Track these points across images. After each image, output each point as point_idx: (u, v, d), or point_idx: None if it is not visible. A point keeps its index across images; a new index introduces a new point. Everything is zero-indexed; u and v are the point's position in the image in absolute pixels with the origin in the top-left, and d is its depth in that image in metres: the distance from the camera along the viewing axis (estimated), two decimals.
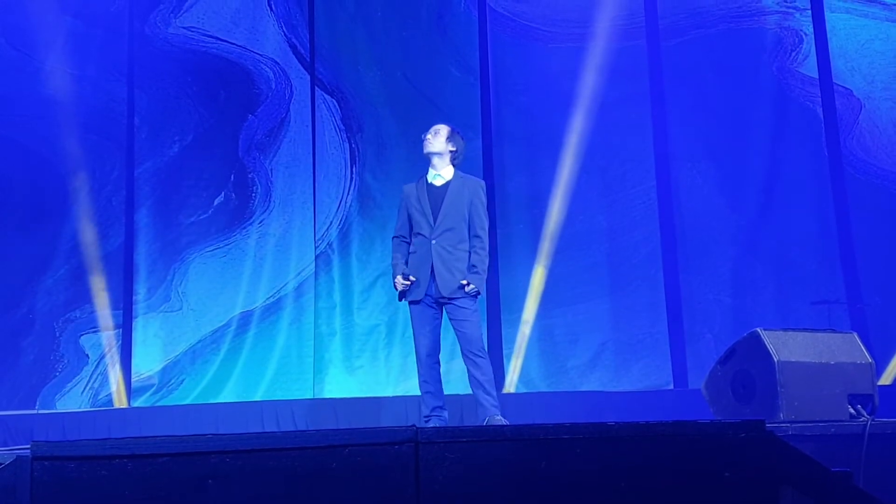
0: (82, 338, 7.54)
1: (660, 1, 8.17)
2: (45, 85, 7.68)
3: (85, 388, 7.50)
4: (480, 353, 5.29)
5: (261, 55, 7.99)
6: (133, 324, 7.60)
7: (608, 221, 7.99)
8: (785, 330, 5.09)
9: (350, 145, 8.01)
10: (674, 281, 7.89)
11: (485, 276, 5.35)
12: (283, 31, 8.03)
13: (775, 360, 4.84)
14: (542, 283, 7.85)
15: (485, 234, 5.37)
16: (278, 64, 8.00)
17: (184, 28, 7.93)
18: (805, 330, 5.20)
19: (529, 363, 7.77)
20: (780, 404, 4.77)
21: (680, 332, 7.82)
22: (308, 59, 8.03)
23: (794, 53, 8.12)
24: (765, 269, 7.85)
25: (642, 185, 8.01)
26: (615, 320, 7.86)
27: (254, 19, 8.02)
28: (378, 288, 7.84)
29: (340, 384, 7.66)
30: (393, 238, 5.57)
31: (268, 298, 7.70)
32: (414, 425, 3.47)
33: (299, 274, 7.78)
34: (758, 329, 5.01)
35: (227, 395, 7.50)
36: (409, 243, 5.45)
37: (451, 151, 5.40)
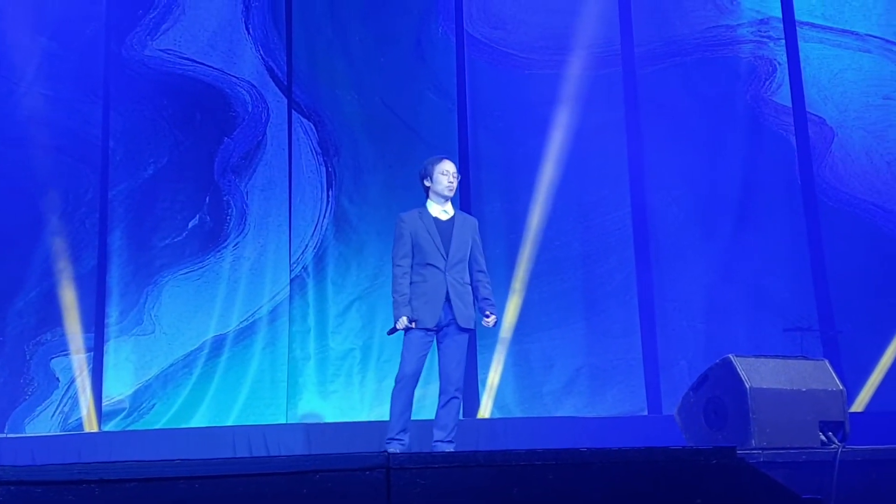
0: (53, 361, 7.45)
1: (636, 29, 8.25)
2: (19, 106, 7.62)
3: (55, 412, 7.40)
4: (460, 390, 5.44)
5: (237, 78, 7.99)
6: (105, 347, 7.52)
7: (584, 247, 8.03)
8: (757, 356, 5.11)
9: (326, 169, 8.00)
10: (648, 307, 7.93)
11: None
12: (261, 55, 8.03)
13: (747, 386, 4.85)
14: (517, 308, 7.86)
15: (485, 268, 5.57)
16: (255, 87, 8.00)
17: (160, 50, 7.91)
18: (777, 357, 5.22)
19: (504, 388, 7.76)
20: (752, 431, 4.78)
21: (654, 358, 7.84)
22: (285, 83, 8.04)
23: (767, 82, 8.21)
24: (738, 296, 7.90)
25: (618, 211, 8.06)
26: (590, 346, 7.88)
27: (231, 42, 8.02)
28: (353, 312, 7.81)
29: (314, 409, 7.61)
30: (396, 266, 5.48)
31: (241, 322, 7.65)
32: (385, 451, 3.44)
33: (274, 298, 7.74)
34: (730, 355, 5.02)
35: (199, 420, 7.43)
36: (410, 273, 5.47)
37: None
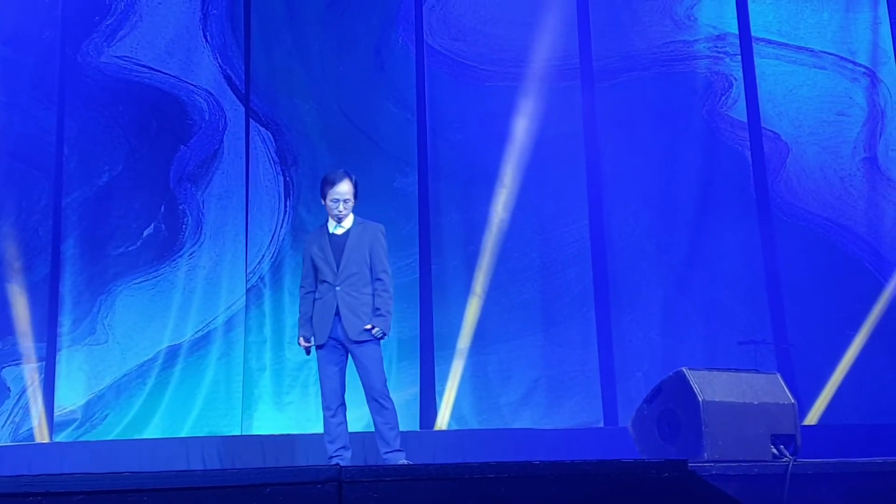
0: (4, 370, 7.34)
1: (594, 43, 8.31)
2: None
3: (6, 422, 7.29)
4: (384, 398, 5.37)
5: (195, 86, 7.92)
6: (57, 356, 7.41)
7: (542, 259, 8.05)
8: (710, 370, 5.15)
9: (284, 178, 7.96)
10: (605, 319, 7.97)
11: (390, 318, 5.44)
12: (219, 63, 7.98)
13: (700, 399, 4.89)
14: (475, 319, 7.86)
15: (387, 277, 5.47)
16: (212, 95, 7.94)
17: (116, 57, 7.83)
18: (729, 370, 5.27)
19: (462, 399, 7.75)
20: (705, 444, 4.81)
21: (611, 370, 7.88)
22: (243, 91, 7.98)
23: (723, 97, 8.31)
24: (694, 309, 7.96)
25: (576, 223, 8.10)
26: (548, 357, 7.90)
27: (188, 50, 7.96)
28: None
29: (270, 420, 7.55)
30: (300, 287, 5.66)
31: (196, 332, 7.57)
32: (338, 464, 3.42)
33: (229, 307, 7.67)
34: (683, 368, 5.06)
35: (153, 431, 7.34)
36: (314, 292, 5.51)
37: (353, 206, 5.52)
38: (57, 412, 7.35)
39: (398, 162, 8.07)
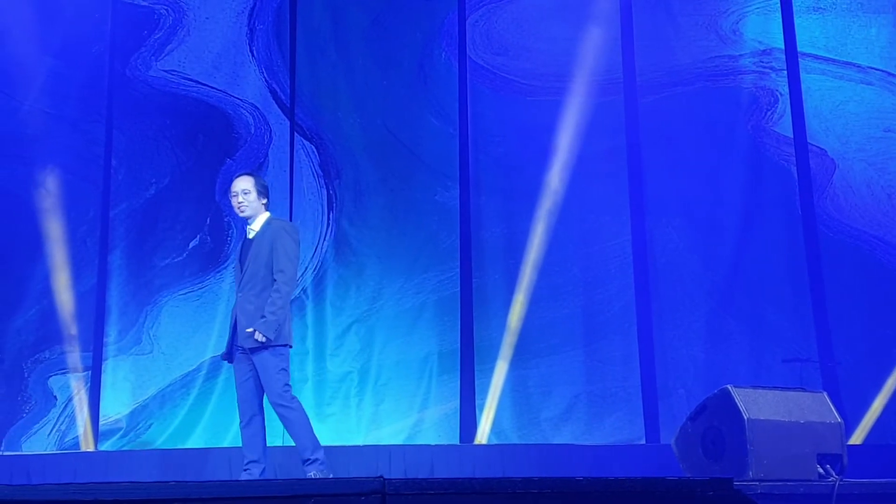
0: (51, 379, 7.45)
1: (638, 58, 8.28)
2: (23, 124, 7.67)
3: (52, 431, 7.39)
4: (284, 403, 5.16)
5: (241, 100, 8.02)
6: (103, 366, 7.51)
7: (583, 274, 8.02)
8: (755, 387, 5.10)
9: (328, 191, 8.02)
10: (647, 334, 7.91)
11: (276, 321, 5.14)
12: (264, 77, 8.07)
13: (745, 417, 4.84)
14: (516, 333, 7.84)
15: (283, 277, 5.19)
16: (258, 109, 8.03)
17: (164, 71, 7.95)
18: (775, 388, 5.21)
19: (502, 414, 7.73)
20: (750, 462, 4.76)
21: (653, 387, 7.82)
22: (288, 105, 8.06)
23: (769, 113, 8.24)
24: (738, 325, 7.88)
25: (618, 238, 8.06)
26: (589, 373, 7.85)
27: (235, 64, 8.06)
28: (352, 335, 7.80)
29: None
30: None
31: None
32: (381, 476, 3.43)
33: None
34: (728, 386, 5.01)
35: (196, 441, 7.41)
36: None
37: (263, 204, 5.37)
38: (102, 421, 7.45)
39: (440, 176, 8.09)
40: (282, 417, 5.20)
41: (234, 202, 5.37)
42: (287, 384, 5.22)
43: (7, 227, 7.56)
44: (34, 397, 7.41)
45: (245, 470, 5.25)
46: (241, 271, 5.30)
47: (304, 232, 7.88)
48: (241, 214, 5.35)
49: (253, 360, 5.21)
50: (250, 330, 5.14)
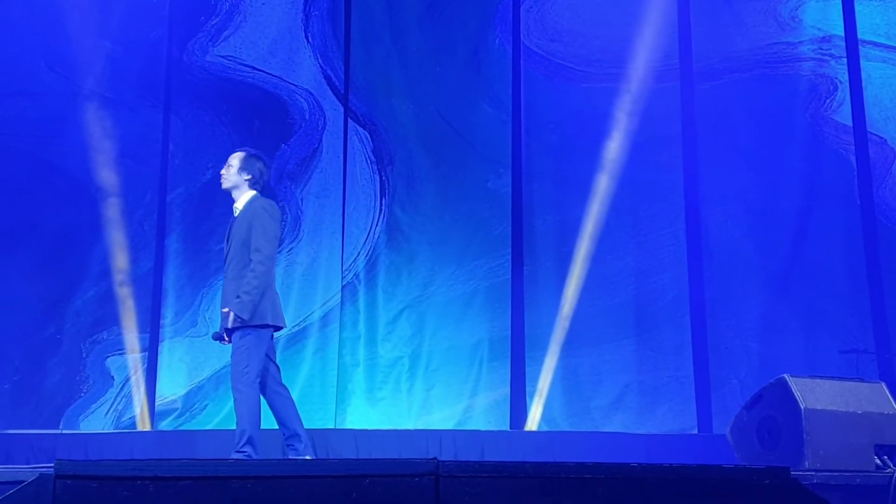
0: (108, 359, 7.57)
1: (695, 44, 8.20)
2: (82, 108, 7.77)
3: (109, 410, 7.52)
4: (239, 387, 5.01)
5: (296, 86, 8.07)
6: (159, 347, 7.62)
7: (636, 262, 7.97)
8: (812, 377, 5.05)
9: (380, 177, 8.05)
10: (701, 324, 7.84)
11: (251, 301, 5.01)
12: (319, 63, 8.11)
13: (802, 407, 4.79)
14: (567, 321, 7.82)
15: (259, 255, 5.07)
16: (313, 95, 8.07)
17: (221, 56, 8.02)
18: (832, 378, 5.15)
19: (552, 402, 7.72)
20: (806, 452, 4.72)
21: (706, 377, 7.76)
22: (342, 91, 8.10)
23: (828, 101, 8.11)
24: (793, 316, 7.78)
25: (672, 226, 8.00)
26: (640, 362, 7.82)
27: (290, 50, 8.11)
28: (403, 320, 7.84)
29: (362, 415, 7.64)
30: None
31: (293, 327, 7.70)
32: (435, 458, 3.45)
33: (325, 303, 7.79)
34: (785, 375, 4.96)
35: None
36: None
37: (247, 180, 5.29)
38: (158, 401, 7.56)
39: (492, 163, 8.09)
40: (235, 400, 5.06)
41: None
42: (249, 367, 5.02)
43: (67, 211, 7.68)
44: (92, 377, 7.54)
45: (289, 446, 5.22)
46: (225, 251, 5.29)
47: (356, 218, 7.94)
48: (222, 187, 5.36)
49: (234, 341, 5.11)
50: (226, 310, 5.10)
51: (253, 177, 5.29)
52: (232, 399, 5.14)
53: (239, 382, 5.02)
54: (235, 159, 5.33)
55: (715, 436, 7.18)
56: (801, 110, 8.09)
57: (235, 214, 5.31)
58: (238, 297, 5.03)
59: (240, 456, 4.94)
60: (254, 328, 5.04)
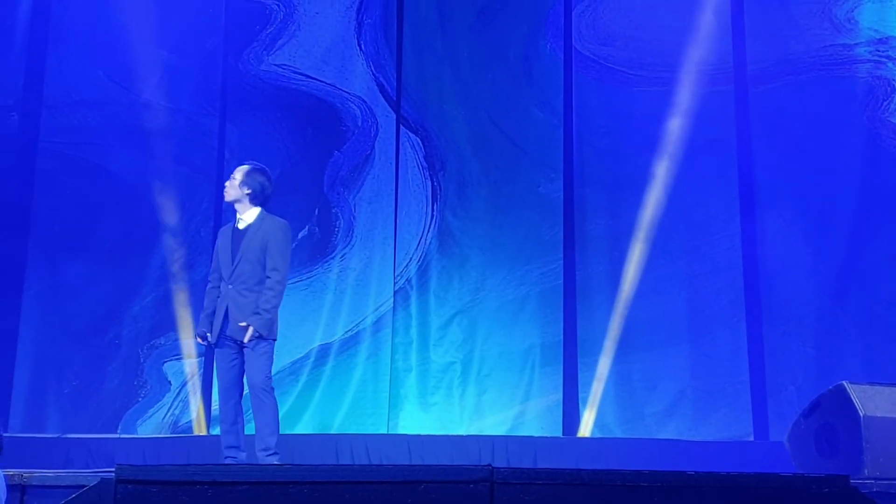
0: (165, 364, 7.68)
1: (749, 46, 8.11)
2: (139, 117, 7.90)
3: (166, 415, 7.62)
4: (263, 392, 5.29)
5: (349, 93, 8.13)
6: (215, 353, 7.70)
7: (690, 267, 7.91)
8: (872, 384, 4.97)
9: (432, 183, 8.08)
10: (756, 330, 7.75)
11: (268, 317, 5.31)
12: (372, 70, 8.16)
13: (861, 414, 4.73)
14: (620, 327, 7.77)
15: (276, 275, 5.34)
16: (365, 102, 8.13)
17: (276, 65, 8.11)
18: (892, 385, 5.06)
19: (605, 408, 7.68)
20: (865, 460, 4.65)
21: (762, 383, 7.67)
22: (394, 98, 8.15)
23: (885, 103, 7.98)
24: (851, 323, 7.66)
25: (726, 231, 7.92)
26: (694, 368, 7.75)
27: (343, 58, 8.17)
28: (455, 326, 7.86)
29: (415, 420, 7.67)
30: (207, 282, 5.64)
31: (346, 332, 7.76)
32: (490, 465, 3.46)
33: (378, 309, 7.84)
34: (844, 382, 4.90)
35: (304, 427, 7.56)
36: (219, 288, 5.49)
37: (247, 194, 5.42)
38: (214, 406, 7.60)
39: (543, 167, 8.08)
40: (259, 402, 5.30)
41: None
42: (270, 376, 5.37)
43: (125, 218, 7.81)
44: (149, 382, 7.65)
45: (230, 457, 5.36)
46: (232, 262, 5.40)
47: (408, 223, 7.98)
48: (225, 199, 5.58)
49: (243, 350, 5.35)
50: (243, 324, 5.29)
51: (253, 191, 5.44)
52: (283, 404, 5.32)
53: (264, 390, 5.31)
54: (239, 173, 5.49)
55: (771, 443, 7.10)
56: (857, 113, 7.96)
57: (240, 227, 5.45)
58: (258, 313, 5.29)
59: (274, 460, 5.16)
60: (268, 341, 5.36)
